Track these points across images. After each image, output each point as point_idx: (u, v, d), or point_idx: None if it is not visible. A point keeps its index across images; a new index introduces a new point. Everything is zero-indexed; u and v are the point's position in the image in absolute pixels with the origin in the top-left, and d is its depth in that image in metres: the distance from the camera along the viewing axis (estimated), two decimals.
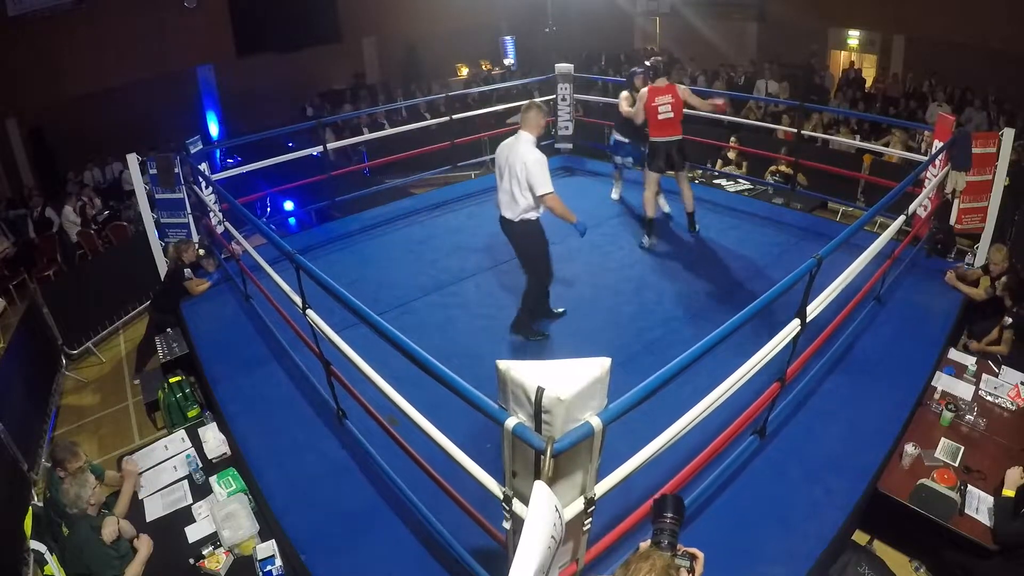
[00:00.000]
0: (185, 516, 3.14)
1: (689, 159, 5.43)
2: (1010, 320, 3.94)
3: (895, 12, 10.90)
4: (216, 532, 2.99)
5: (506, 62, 15.11)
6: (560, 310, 4.35)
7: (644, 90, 5.06)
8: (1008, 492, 2.74)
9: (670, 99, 4.93)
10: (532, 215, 3.81)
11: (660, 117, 4.95)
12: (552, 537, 1.42)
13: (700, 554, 1.57)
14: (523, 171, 3.61)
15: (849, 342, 3.89)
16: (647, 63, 5.34)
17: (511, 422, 1.69)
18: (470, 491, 2.25)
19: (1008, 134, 4.53)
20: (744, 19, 13.25)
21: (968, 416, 3.40)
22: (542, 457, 1.61)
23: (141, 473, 3.42)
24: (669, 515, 1.56)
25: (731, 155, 7.91)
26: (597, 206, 6.28)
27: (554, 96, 7.33)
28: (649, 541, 1.58)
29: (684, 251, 5.30)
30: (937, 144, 4.81)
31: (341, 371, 3.16)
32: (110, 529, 2.78)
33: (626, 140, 5.91)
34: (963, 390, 3.60)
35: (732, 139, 7.83)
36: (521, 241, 3.94)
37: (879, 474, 3.02)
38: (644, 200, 5.30)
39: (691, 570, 1.51)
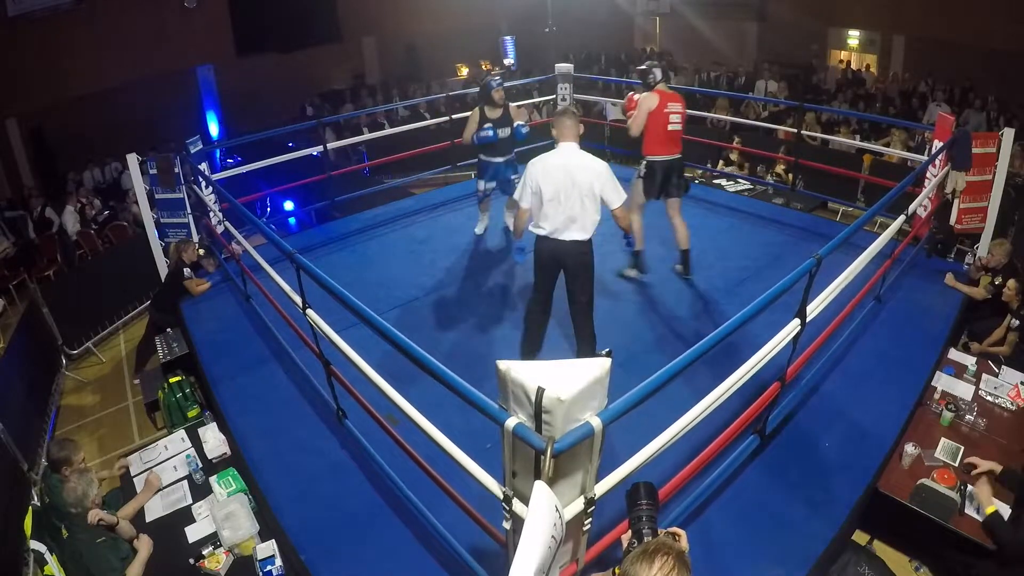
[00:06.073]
0: (185, 516, 3.14)
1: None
2: (1017, 322, 3.93)
3: (895, 12, 10.92)
4: (216, 532, 2.98)
5: (506, 62, 15.10)
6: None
7: (646, 95, 4.37)
8: (990, 508, 2.67)
9: (680, 108, 4.35)
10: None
11: (670, 128, 4.33)
12: (552, 537, 1.42)
13: (682, 532, 1.58)
14: (599, 183, 3.24)
15: (849, 342, 3.89)
16: (648, 65, 4.52)
17: (511, 422, 1.69)
18: (470, 491, 2.25)
19: (1008, 134, 4.52)
20: (744, 19, 13.28)
21: (968, 416, 3.39)
22: (542, 457, 1.61)
23: (139, 474, 3.42)
24: (644, 502, 1.57)
25: (733, 156, 7.91)
26: None
27: (554, 96, 7.34)
28: (629, 532, 1.58)
29: None
30: (937, 144, 4.81)
31: (341, 371, 3.16)
32: (93, 512, 2.74)
33: (494, 160, 5.03)
34: (963, 390, 3.59)
35: (735, 140, 7.82)
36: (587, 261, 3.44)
37: (879, 474, 3.01)
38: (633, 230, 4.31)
39: None
